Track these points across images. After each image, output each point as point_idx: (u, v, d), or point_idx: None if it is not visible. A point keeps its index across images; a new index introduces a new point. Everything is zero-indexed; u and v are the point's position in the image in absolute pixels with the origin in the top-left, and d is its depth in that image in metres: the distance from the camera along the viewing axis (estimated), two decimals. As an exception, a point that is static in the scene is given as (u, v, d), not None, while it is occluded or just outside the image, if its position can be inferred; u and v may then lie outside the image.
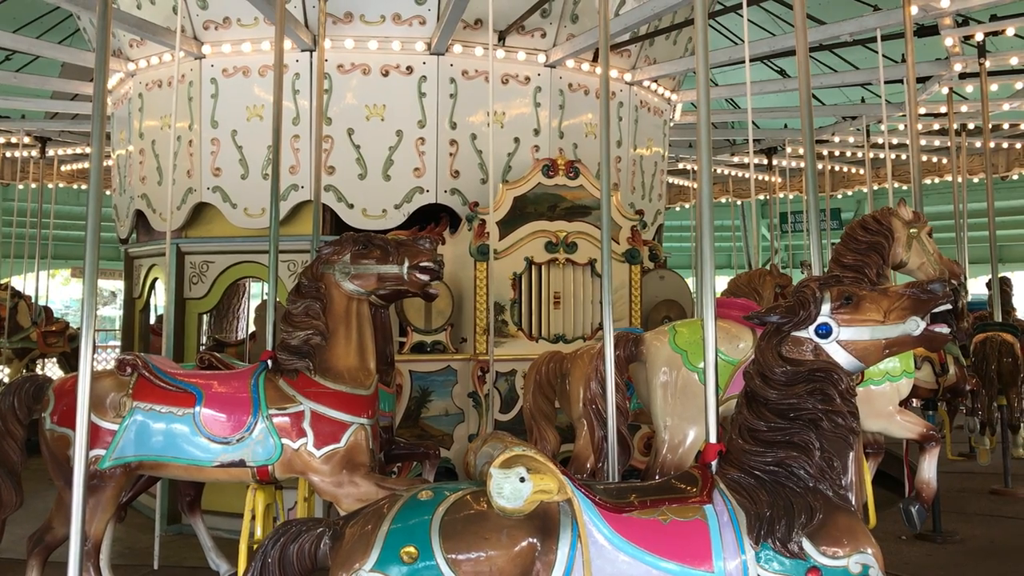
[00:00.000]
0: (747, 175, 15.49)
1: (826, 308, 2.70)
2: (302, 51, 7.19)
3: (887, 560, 3.03)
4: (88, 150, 10.98)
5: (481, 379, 6.63)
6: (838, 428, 2.62)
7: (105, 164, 9.62)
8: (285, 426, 4.17)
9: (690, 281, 8.03)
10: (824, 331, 2.69)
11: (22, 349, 11.69)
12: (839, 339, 2.69)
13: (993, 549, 6.40)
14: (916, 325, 2.70)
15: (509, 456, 2.44)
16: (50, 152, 13.61)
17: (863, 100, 12.84)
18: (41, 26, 12.39)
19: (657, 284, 7.59)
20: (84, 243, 3.40)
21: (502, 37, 7.49)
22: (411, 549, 2.35)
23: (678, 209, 18.76)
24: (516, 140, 7.63)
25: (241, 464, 4.20)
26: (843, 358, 2.69)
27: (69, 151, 13.97)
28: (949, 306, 2.77)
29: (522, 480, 2.42)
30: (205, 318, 8.49)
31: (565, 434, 5.44)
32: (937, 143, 13.67)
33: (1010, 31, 8.69)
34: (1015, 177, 15.25)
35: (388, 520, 2.41)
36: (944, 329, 2.73)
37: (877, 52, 8.01)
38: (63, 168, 14.90)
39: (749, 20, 7.64)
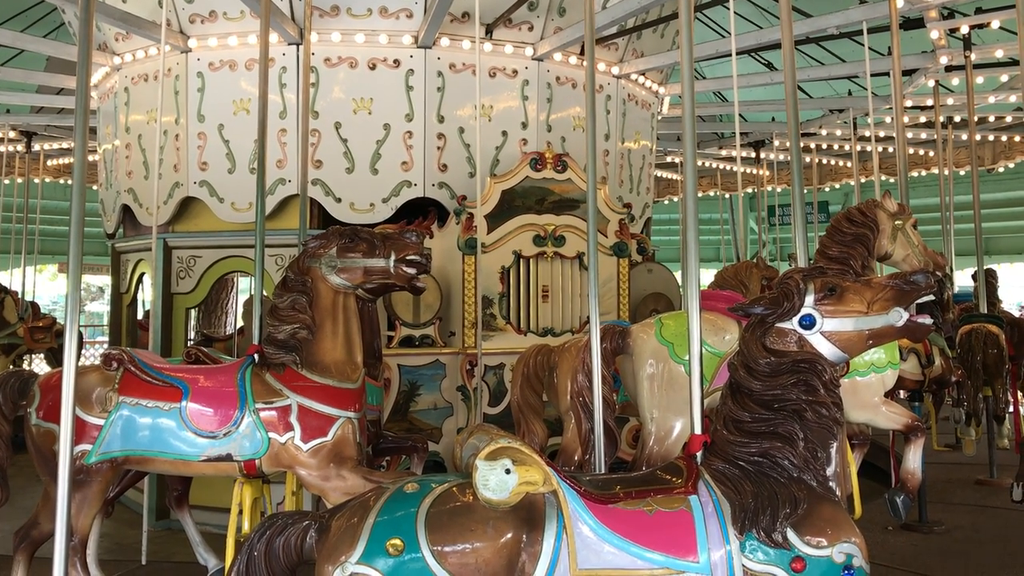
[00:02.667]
0: (735, 168, 15.52)
1: (810, 299, 2.72)
2: (289, 44, 7.16)
3: (873, 550, 3.05)
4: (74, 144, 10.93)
5: (470, 373, 6.64)
6: (822, 419, 2.64)
7: (91, 159, 9.59)
8: (272, 420, 4.16)
9: (678, 274, 8.04)
10: (808, 322, 2.71)
11: (9, 345, 11.61)
12: (823, 330, 2.70)
13: (978, 539, 6.45)
14: (899, 316, 2.71)
15: (495, 448, 2.45)
16: (36, 147, 13.53)
17: (850, 93, 12.90)
18: (26, 20, 12.29)
19: (645, 277, 7.61)
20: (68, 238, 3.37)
21: (489, 30, 7.48)
22: (397, 541, 2.35)
23: (666, 202, 18.79)
24: (504, 133, 7.62)
25: (228, 458, 4.19)
26: (827, 349, 2.71)
27: (55, 146, 13.89)
28: (932, 297, 2.79)
29: (508, 472, 2.42)
30: (193, 313, 8.46)
31: (554, 427, 5.46)
32: (924, 136, 13.73)
33: (995, 24, 8.72)
34: (1001, 170, 15.34)
35: (374, 513, 2.42)
36: (927, 320, 2.75)
37: (863, 45, 8.04)
38: (49, 163, 14.82)
39: (736, 13, 7.65)
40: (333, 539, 2.42)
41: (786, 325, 2.72)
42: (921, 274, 2.74)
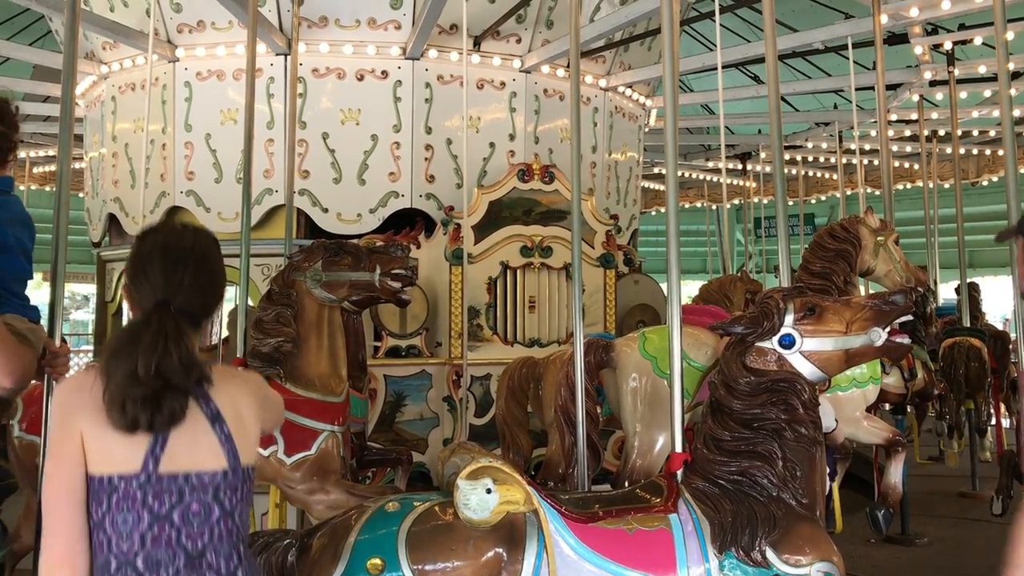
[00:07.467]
0: (722, 180, 15.59)
1: (789, 319, 2.74)
2: (276, 55, 7.16)
3: (855, 563, 3.09)
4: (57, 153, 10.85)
5: (456, 383, 6.63)
6: (801, 438, 2.66)
7: (77, 167, 9.56)
8: (256, 433, 4.15)
9: (665, 286, 8.08)
10: (787, 342, 2.73)
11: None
12: (802, 349, 2.72)
13: (961, 551, 6.48)
14: (878, 336, 2.74)
15: (476, 467, 2.45)
16: (22, 154, 13.46)
17: (835, 106, 13.01)
18: (12, 27, 12.26)
19: (632, 289, 7.61)
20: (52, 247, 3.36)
21: (477, 42, 7.51)
22: (377, 561, 2.35)
23: (653, 213, 18.84)
24: (491, 145, 7.64)
25: (211, 471, 4.17)
26: (806, 368, 2.73)
27: (41, 153, 13.84)
28: (911, 317, 2.82)
29: (488, 491, 2.43)
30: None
31: (540, 439, 5.46)
32: (908, 149, 13.85)
33: (978, 40, 8.83)
34: (984, 183, 15.49)
35: (355, 531, 2.41)
36: (905, 340, 2.78)
37: (849, 59, 8.12)
38: (35, 170, 14.75)
39: (723, 26, 7.72)
40: (314, 558, 2.42)
41: (766, 344, 2.74)
42: (900, 294, 2.76)
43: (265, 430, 2.13)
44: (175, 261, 1.98)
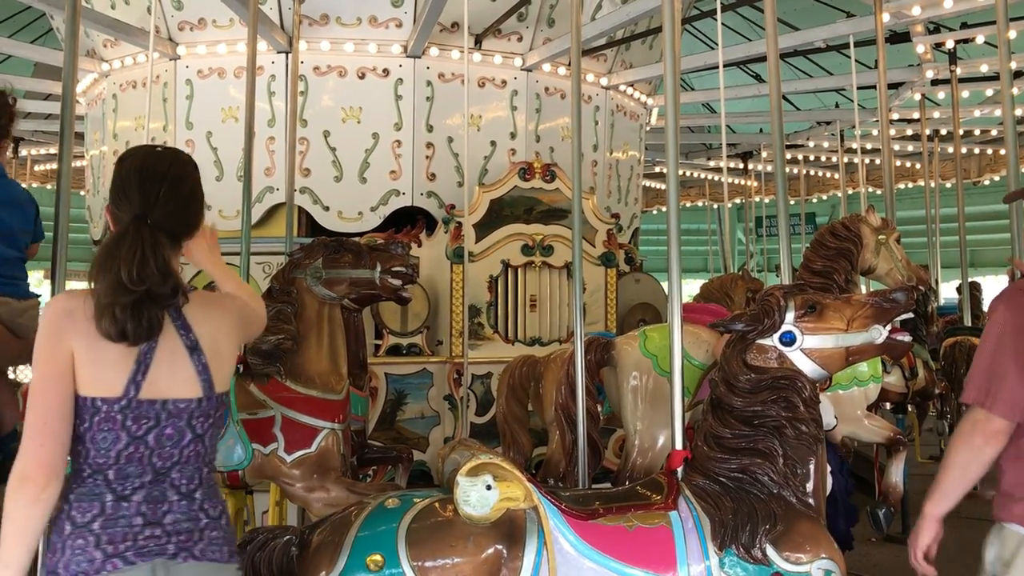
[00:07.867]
0: (723, 179, 15.59)
1: (790, 316, 2.73)
2: (278, 53, 7.16)
3: (856, 562, 3.09)
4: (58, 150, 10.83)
5: (457, 382, 6.63)
6: (801, 435, 2.65)
7: (78, 165, 9.56)
8: (256, 431, 4.14)
9: (666, 284, 8.07)
10: (788, 339, 2.72)
11: (-7, 351, 11.51)
12: (803, 347, 2.72)
13: (961, 550, 6.43)
14: (879, 333, 2.73)
15: (476, 464, 2.45)
16: (23, 152, 13.47)
17: (837, 105, 13.00)
18: (14, 25, 12.27)
19: (633, 287, 7.61)
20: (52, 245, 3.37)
21: (478, 40, 7.50)
22: (377, 557, 2.35)
23: (655, 212, 18.82)
24: (493, 143, 7.64)
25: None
26: (807, 366, 2.72)
27: (43, 151, 13.84)
28: (912, 315, 2.81)
29: (488, 488, 2.43)
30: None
31: (540, 437, 5.45)
32: (910, 148, 13.85)
33: (980, 39, 8.83)
34: (986, 182, 15.48)
35: (355, 528, 2.41)
36: (906, 337, 2.77)
37: (850, 58, 8.11)
38: (36, 168, 14.76)
39: (725, 25, 7.71)
40: (314, 554, 2.42)
41: (767, 342, 2.73)
42: (901, 292, 2.75)
43: (248, 338, 2.34)
44: (151, 179, 2.09)
